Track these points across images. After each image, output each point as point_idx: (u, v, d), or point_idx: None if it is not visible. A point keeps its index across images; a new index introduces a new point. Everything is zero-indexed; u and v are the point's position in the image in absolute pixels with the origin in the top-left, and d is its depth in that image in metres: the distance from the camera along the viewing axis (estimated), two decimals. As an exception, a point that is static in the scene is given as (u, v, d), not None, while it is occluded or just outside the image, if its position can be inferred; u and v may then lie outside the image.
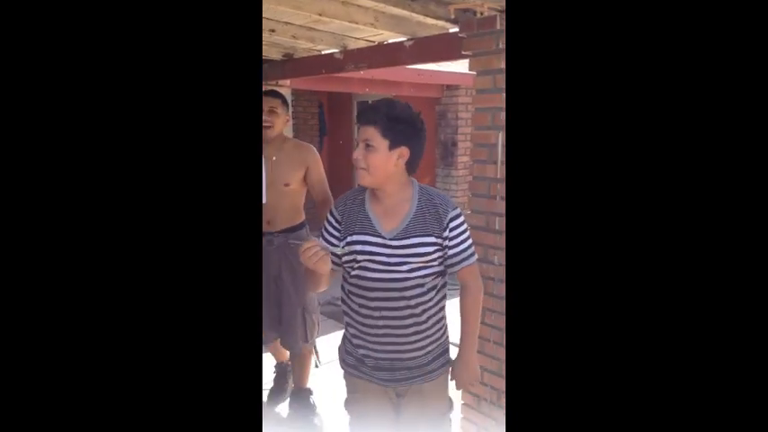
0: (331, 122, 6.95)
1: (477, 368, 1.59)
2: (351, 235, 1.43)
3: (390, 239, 1.40)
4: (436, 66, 4.57)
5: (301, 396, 2.56)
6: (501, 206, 1.98)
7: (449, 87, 5.40)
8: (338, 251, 1.42)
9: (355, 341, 1.49)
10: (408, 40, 2.43)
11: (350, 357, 1.53)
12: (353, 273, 1.44)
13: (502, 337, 2.07)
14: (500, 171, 1.98)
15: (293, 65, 3.09)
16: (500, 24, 1.88)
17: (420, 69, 4.54)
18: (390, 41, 2.69)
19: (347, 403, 1.60)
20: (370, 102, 1.46)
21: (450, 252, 1.43)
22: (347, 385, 1.59)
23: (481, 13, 1.91)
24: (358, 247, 1.41)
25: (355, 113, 1.42)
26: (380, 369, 1.47)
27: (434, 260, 1.42)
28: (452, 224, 1.42)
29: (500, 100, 1.96)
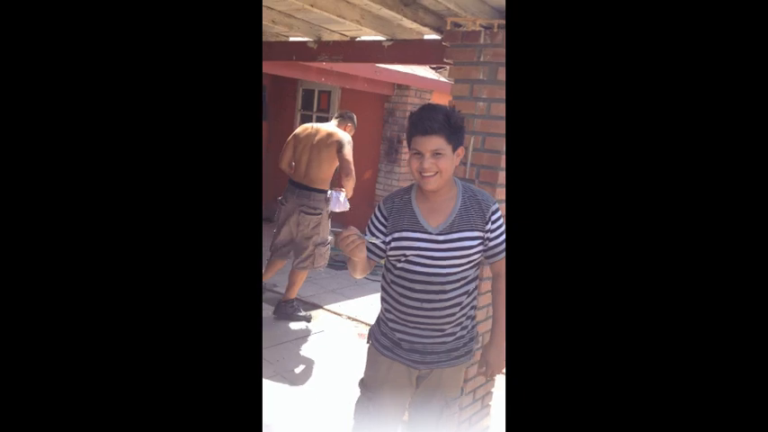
0: (273, 108, 6.85)
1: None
2: (399, 231, 1.54)
3: (437, 234, 1.53)
4: (388, 65, 4.70)
5: (288, 305, 3.62)
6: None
7: (399, 86, 5.56)
8: (377, 242, 1.54)
9: (392, 325, 1.61)
10: (388, 40, 2.54)
11: (385, 339, 1.65)
12: (399, 265, 1.56)
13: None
14: (468, 172, 2.17)
15: (264, 48, 3.10)
16: (483, 39, 2.06)
17: (376, 66, 4.66)
18: (365, 39, 2.80)
19: (368, 380, 1.70)
20: (417, 112, 1.50)
21: (491, 244, 1.58)
22: (371, 363, 1.69)
23: (470, 29, 2.07)
24: (406, 243, 1.53)
25: (408, 125, 1.45)
26: (414, 351, 1.60)
27: (477, 253, 1.57)
28: (493, 217, 1.57)
29: (473, 107, 2.14)
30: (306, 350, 3.24)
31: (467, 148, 2.17)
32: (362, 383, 1.74)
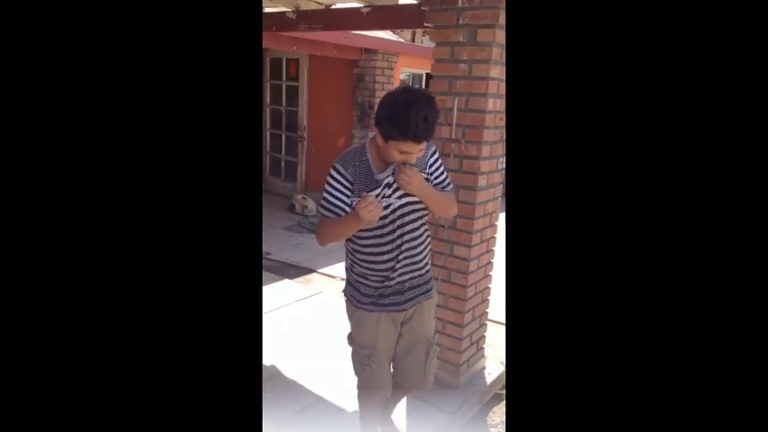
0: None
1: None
2: (364, 191, 1.61)
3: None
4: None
5: None
6: (455, 162, 2.30)
7: (367, 51, 5.57)
8: (392, 202, 1.62)
9: (372, 277, 1.73)
10: (366, 6, 2.59)
11: (365, 297, 1.76)
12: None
13: (448, 275, 2.43)
14: (454, 132, 2.29)
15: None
16: (461, 2, 2.14)
17: (346, 32, 4.66)
18: (340, 6, 2.83)
19: (360, 339, 1.80)
20: (402, 113, 1.45)
21: (436, 182, 1.72)
22: (358, 324, 1.80)
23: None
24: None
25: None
26: (395, 293, 1.74)
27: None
28: (431, 160, 1.71)
29: (455, 69, 2.24)
30: (306, 310, 3.38)
31: (451, 110, 2.28)
32: (353, 340, 1.85)
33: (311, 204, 5.94)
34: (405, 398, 2.26)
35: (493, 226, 2.52)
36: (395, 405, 2.16)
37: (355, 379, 1.90)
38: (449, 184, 1.77)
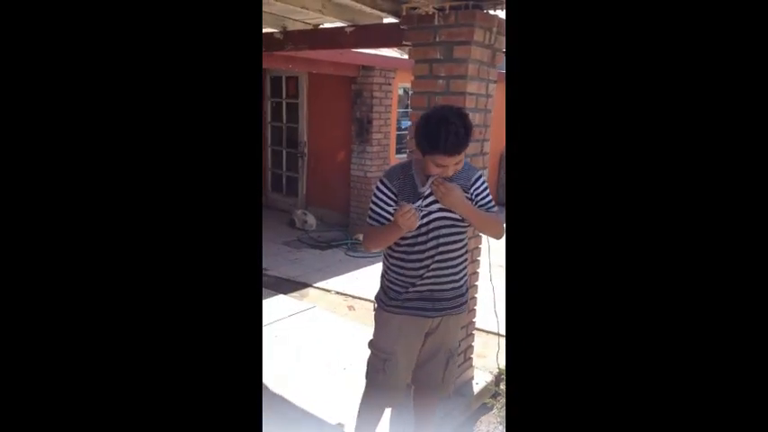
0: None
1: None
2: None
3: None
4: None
5: None
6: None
7: (364, 67, 5.67)
8: (429, 211, 1.72)
9: (405, 280, 1.81)
10: (349, 26, 2.68)
11: (393, 301, 1.83)
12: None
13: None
14: (434, 146, 2.35)
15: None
16: (437, 21, 2.22)
17: (340, 49, 4.76)
18: (328, 26, 2.93)
19: (379, 341, 1.87)
20: (436, 128, 1.58)
21: (480, 204, 1.81)
22: (381, 325, 1.87)
23: (426, 12, 2.23)
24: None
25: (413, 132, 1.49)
26: (425, 300, 1.81)
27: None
28: (477, 183, 1.82)
29: (434, 85, 2.31)
30: (302, 323, 3.43)
31: (431, 123, 2.35)
32: (373, 344, 1.91)
33: (311, 219, 6.02)
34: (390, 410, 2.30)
35: (476, 237, 2.56)
36: (419, 414, 2.11)
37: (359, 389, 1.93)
38: (493, 206, 1.85)
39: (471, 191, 1.80)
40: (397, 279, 1.83)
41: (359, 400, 2.01)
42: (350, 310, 3.81)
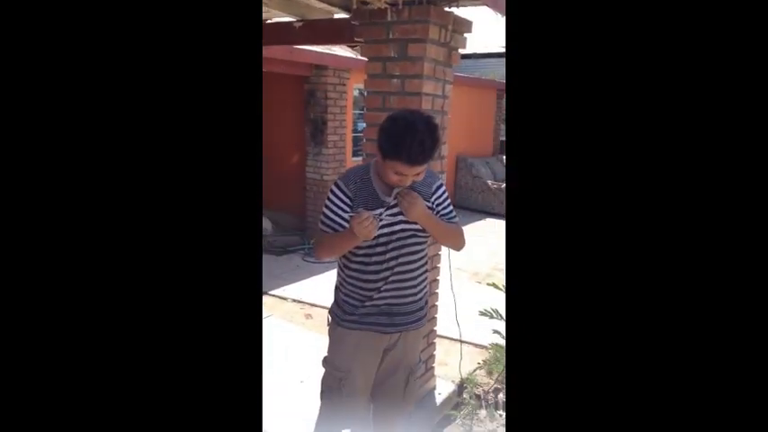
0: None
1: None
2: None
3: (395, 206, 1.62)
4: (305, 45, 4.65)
5: None
6: (392, 179, 2.24)
7: (317, 67, 5.51)
8: (389, 221, 1.58)
9: (362, 293, 1.67)
10: (298, 21, 2.53)
11: (349, 315, 1.69)
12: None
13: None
14: (390, 148, 2.24)
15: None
16: (390, 17, 2.10)
17: (291, 47, 4.59)
18: (276, 20, 2.76)
19: (335, 359, 1.73)
20: (401, 135, 1.44)
21: (440, 214, 1.70)
22: (336, 342, 1.74)
23: (377, 7, 2.10)
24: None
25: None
26: (383, 314, 1.68)
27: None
28: (438, 192, 1.70)
29: (388, 85, 2.19)
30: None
31: (386, 125, 2.23)
32: (328, 362, 1.78)
33: (266, 224, 5.80)
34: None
35: (436, 244, 2.47)
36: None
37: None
38: (453, 217, 1.74)
39: (432, 199, 1.69)
40: (353, 292, 1.70)
41: (315, 419, 1.87)
42: (307, 318, 3.66)
